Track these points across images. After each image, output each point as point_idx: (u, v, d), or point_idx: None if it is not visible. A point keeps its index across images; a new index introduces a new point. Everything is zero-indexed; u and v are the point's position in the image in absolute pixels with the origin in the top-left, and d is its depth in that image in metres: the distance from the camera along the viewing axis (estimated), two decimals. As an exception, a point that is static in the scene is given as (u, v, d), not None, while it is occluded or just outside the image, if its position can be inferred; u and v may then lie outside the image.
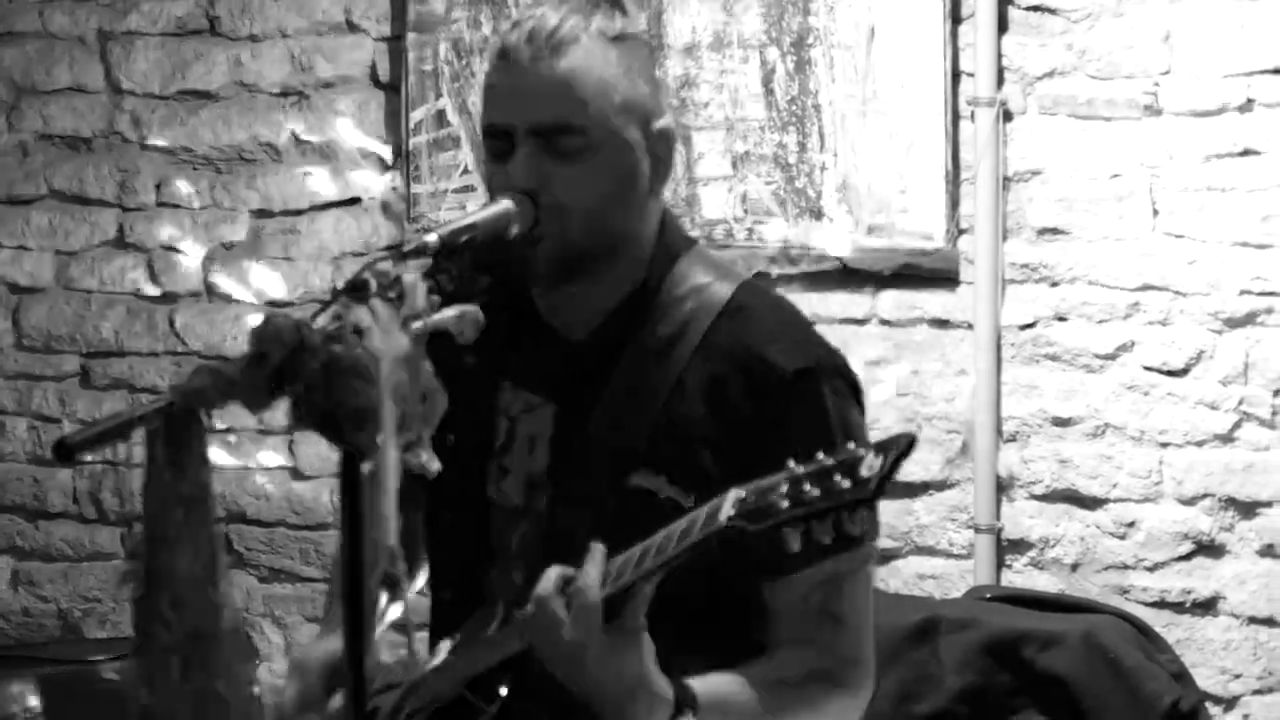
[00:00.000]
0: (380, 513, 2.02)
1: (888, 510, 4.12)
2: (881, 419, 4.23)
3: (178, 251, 4.92)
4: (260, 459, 4.89)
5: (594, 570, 2.31)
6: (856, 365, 2.69)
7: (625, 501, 2.51)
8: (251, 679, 1.93)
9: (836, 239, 4.35)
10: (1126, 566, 4.24)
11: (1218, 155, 4.12)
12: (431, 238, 2.33)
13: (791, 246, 4.38)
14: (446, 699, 2.49)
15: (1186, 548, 4.20)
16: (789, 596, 2.52)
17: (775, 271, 4.38)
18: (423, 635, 2.60)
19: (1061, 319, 4.25)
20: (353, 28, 4.75)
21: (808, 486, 2.15)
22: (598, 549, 2.33)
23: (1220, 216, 4.12)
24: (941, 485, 4.35)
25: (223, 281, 4.89)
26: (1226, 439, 4.16)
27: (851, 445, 2.16)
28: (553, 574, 2.34)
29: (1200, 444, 4.18)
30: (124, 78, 4.92)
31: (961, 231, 4.29)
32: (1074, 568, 4.27)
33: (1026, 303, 4.27)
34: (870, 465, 2.11)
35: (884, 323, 4.38)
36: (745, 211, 4.41)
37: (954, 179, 4.27)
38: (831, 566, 2.47)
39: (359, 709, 2.04)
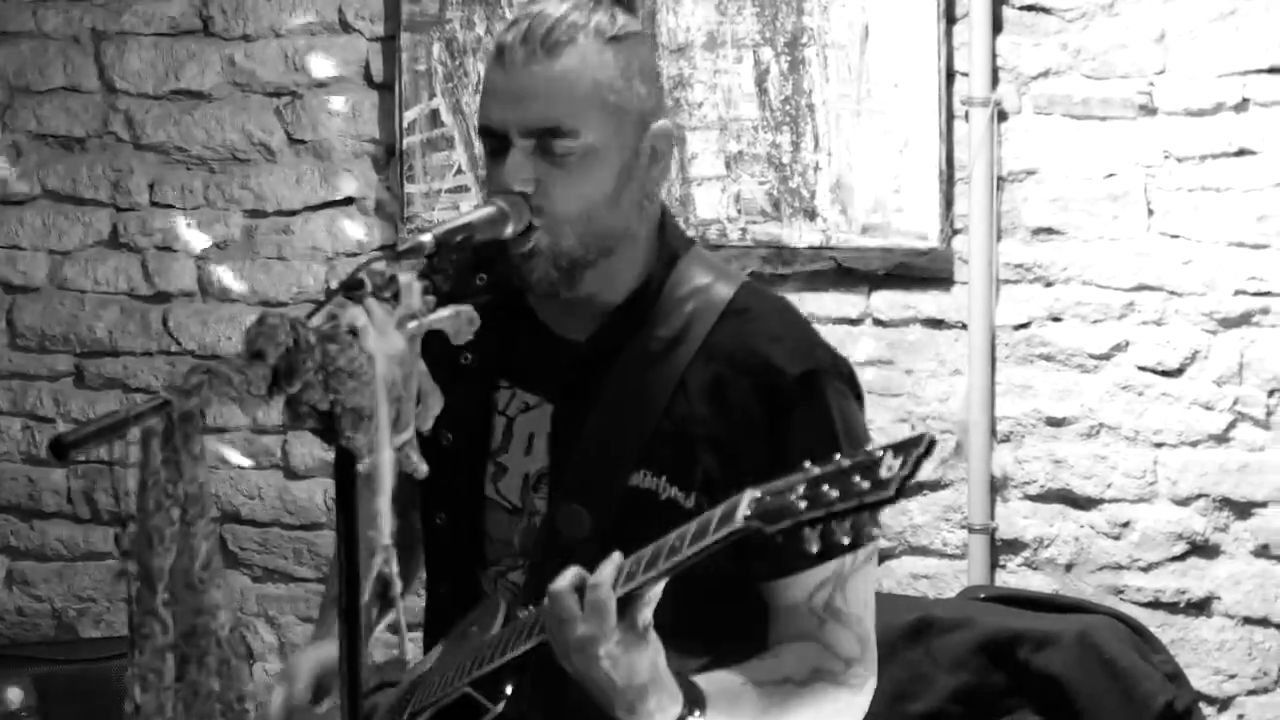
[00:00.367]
0: (375, 512, 2.02)
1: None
2: (875, 419, 4.23)
3: (172, 251, 4.91)
4: (255, 458, 4.89)
5: (609, 568, 2.31)
6: (851, 365, 2.69)
7: (625, 502, 2.51)
8: (246, 679, 1.92)
9: (830, 239, 4.34)
10: (1121, 567, 4.24)
11: (1213, 155, 4.11)
12: (426, 238, 2.33)
13: (785, 246, 4.38)
14: (452, 698, 2.49)
15: (1181, 548, 4.20)
16: (794, 594, 2.52)
17: (769, 271, 4.38)
18: (415, 635, 2.60)
19: (1056, 319, 4.25)
20: (346, 28, 4.75)
21: (825, 487, 2.14)
22: (615, 555, 2.33)
23: (1215, 216, 4.12)
24: (935, 485, 4.35)
25: (217, 281, 4.89)
26: (1221, 439, 4.16)
27: (869, 447, 2.16)
28: (569, 572, 2.34)
29: (1195, 444, 4.18)
30: (118, 77, 4.92)
31: (956, 231, 4.28)
32: (1068, 568, 4.27)
33: (1021, 303, 4.27)
34: (890, 466, 2.11)
35: (878, 323, 4.38)
36: (739, 211, 4.40)
37: (948, 179, 4.26)
38: (836, 564, 2.48)
39: (354, 709, 2.03)
